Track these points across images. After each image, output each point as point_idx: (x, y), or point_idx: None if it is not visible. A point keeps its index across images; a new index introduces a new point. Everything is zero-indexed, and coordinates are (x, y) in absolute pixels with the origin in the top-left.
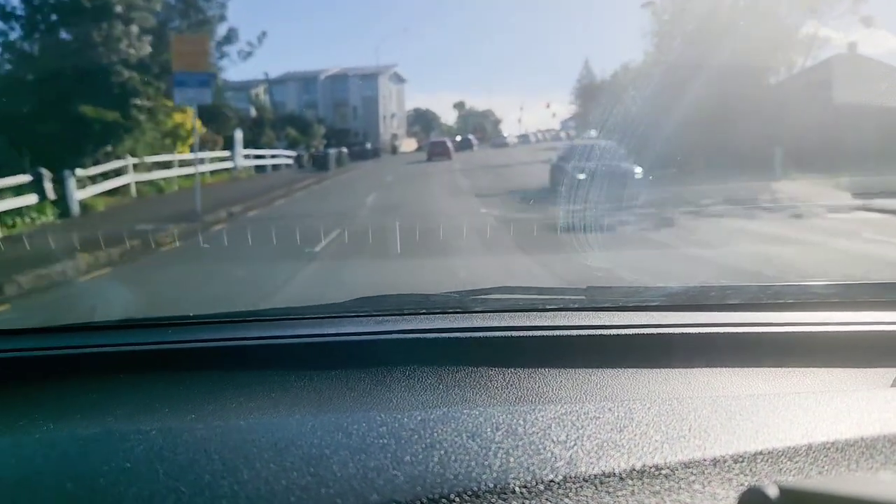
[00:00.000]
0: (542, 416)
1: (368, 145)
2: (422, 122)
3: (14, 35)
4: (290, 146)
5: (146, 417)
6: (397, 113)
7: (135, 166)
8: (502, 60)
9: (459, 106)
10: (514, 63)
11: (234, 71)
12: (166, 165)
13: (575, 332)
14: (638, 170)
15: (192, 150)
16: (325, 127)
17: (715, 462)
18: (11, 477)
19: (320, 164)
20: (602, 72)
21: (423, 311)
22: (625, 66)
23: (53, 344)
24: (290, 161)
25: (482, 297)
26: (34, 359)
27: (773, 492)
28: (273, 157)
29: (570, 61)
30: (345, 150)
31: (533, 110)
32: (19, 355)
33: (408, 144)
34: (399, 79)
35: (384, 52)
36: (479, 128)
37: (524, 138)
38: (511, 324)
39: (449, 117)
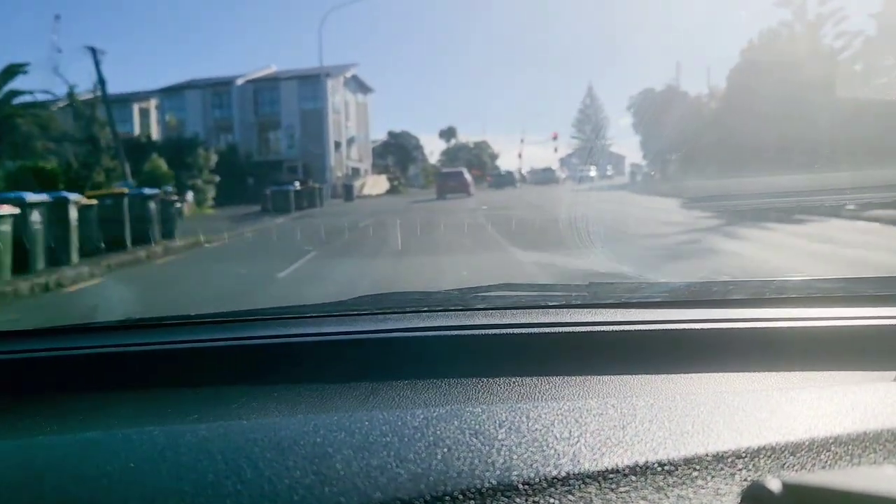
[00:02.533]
0: (545, 413)
1: (296, 185)
2: (397, 152)
3: None
4: (150, 184)
5: (148, 418)
6: (359, 137)
7: None
8: (497, 87)
9: (448, 134)
10: (510, 93)
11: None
12: None
13: (577, 329)
14: None
15: None
16: (215, 155)
17: (718, 458)
18: (14, 479)
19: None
20: (611, 99)
21: (425, 308)
22: (647, 93)
23: (54, 345)
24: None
25: (484, 294)
26: (35, 360)
27: (776, 486)
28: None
29: (568, 93)
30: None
31: (529, 146)
32: (20, 357)
33: (375, 184)
34: (361, 86)
35: (341, 49)
36: (475, 163)
37: (548, 173)
38: (513, 321)
39: (433, 147)
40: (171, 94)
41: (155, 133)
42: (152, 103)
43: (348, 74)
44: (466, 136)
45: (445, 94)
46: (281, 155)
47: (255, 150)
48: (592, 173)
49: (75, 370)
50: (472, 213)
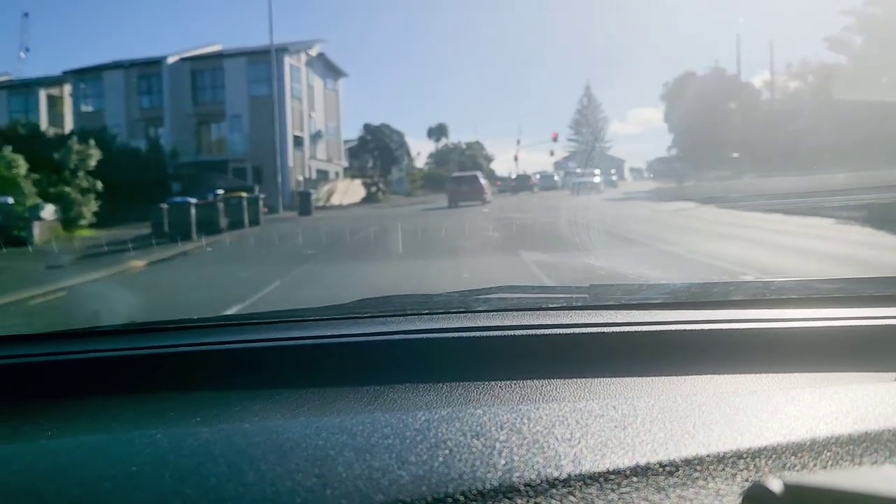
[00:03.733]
0: (546, 415)
1: (217, 193)
2: (377, 151)
3: None
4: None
5: (151, 421)
6: (328, 132)
7: None
8: (490, 82)
9: (438, 132)
10: (504, 90)
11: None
12: None
13: (578, 331)
14: None
15: None
16: (95, 151)
17: (719, 458)
18: (18, 483)
19: None
20: (610, 100)
21: (426, 311)
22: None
23: (57, 350)
24: None
25: (485, 296)
26: (38, 365)
27: (777, 487)
28: None
29: (565, 92)
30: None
31: (524, 148)
32: (22, 361)
33: (347, 191)
34: (330, 69)
35: (306, 23)
36: (469, 165)
37: (548, 179)
38: (514, 323)
39: (420, 148)
40: (86, 77)
41: (69, 126)
42: (65, 90)
43: (313, 52)
44: (457, 137)
45: (434, 86)
46: (225, 154)
47: (192, 147)
48: (597, 179)
49: (77, 374)
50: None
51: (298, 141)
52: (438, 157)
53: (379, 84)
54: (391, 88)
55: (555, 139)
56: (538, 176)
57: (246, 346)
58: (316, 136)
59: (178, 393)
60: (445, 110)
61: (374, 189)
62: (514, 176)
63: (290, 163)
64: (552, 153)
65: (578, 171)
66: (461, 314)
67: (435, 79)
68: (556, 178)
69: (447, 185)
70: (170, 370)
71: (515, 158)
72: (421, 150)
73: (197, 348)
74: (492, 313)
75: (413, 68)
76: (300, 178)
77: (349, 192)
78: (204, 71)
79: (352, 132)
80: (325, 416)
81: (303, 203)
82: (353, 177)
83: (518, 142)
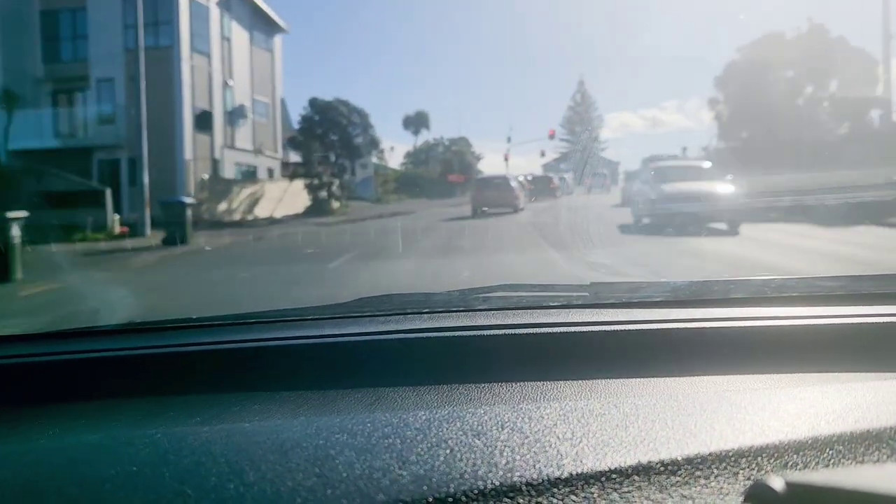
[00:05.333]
0: (548, 414)
1: None
2: (333, 134)
3: None
4: None
5: (151, 421)
6: (257, 109)
7: None
8: (475, 72)
9: (417, 122)
10: (492, 82)
11: None
12: None
13: (579, 329)
14: None
15: None
16: None
17: (721, 457)
18: (17, 483)
19: None
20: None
21: (426, 310)
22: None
23: (56, 349)
24: None
25: (485, 295)
26: (38, 364)
27: (779, 485)
28: None
29: (558, 88)
30: None
31: (514, 147)
32: (23, 361)
33: (284, 196)
34: (260, 18)
35: None
36: (456, 165)
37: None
38: (515, 321)
39: (395, 144)
40: None
41: None
42: None
43: None
44: (439, 132)
45: (413, 67)
46: (90, 138)
47: (48, 127)
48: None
49: (77, 374)
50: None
51: (203, 120)
52: (417, 156)
53: (339, 52)
54: (356, 59)
55: (552, 137)
56: (559, 177)
57: (245, 346)
58: (236, 115)
59: (177, 392)
60: (425, 99)
61: (323, 194)
62: (529, 178)
63: (188, 153)
64: (543, 154)
65: (603, 171)
66: (461, 313)
67: (415, 58)
68: (568, 180)
69: (472, 188)
70: (169, 370)
71: (506, 158)
72: (395, 146)
73: (196, 348)
74: (492, 312)
75: (386, 40)
76: (205, 176)
77: (286, 198)
78: (59, 13)
79: (297, 113)
80: (326, 415)
81: (170, 222)
82: (294, 176)
83: (509, 139)
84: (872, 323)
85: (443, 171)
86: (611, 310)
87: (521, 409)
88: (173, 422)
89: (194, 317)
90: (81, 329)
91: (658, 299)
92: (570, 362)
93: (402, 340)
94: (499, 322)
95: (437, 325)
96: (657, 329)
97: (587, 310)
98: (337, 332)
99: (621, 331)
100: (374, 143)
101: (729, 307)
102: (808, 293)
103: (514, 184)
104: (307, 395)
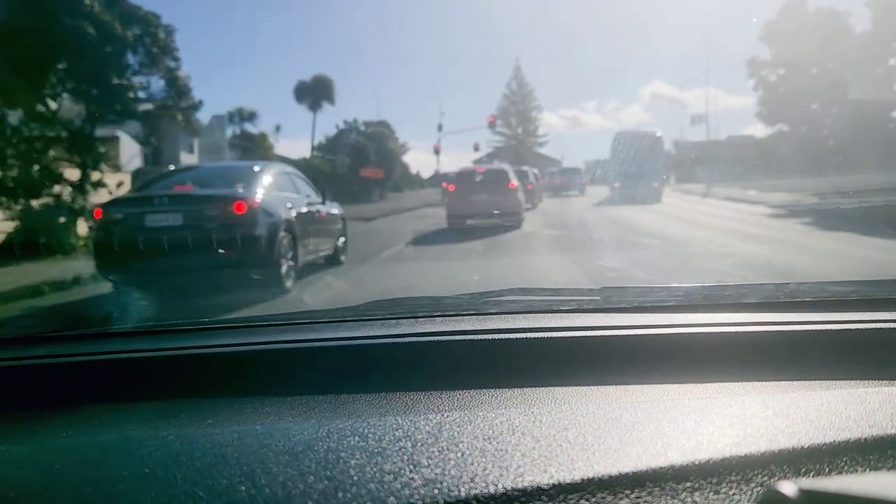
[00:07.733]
0: (559, 418)
1: None
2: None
3: None
4: None
5: (163, 423)
6: None
7: None
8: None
9: (316, 93)
10: (414, 60)
11: None
12: None
13: (590, 333)
14: None
15: None
16: None
17: (733, 463)
18: (31, 484)
19: None
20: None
21: (437, 313)
22: None
23: (70, 351)
24: None
25: (496, 298)
26: (51, 366)
27: (791, 492)
28: None
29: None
30: None
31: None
32: (37, 363)
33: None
34: None
35: None
36: (378, 156)
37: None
38: (526, 325)
39: (286, 120)
40: None
41: None
42: None
43: None
44: (349, 113)
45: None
46: None
47: None
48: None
49: (91, 376)
50: None
51: None
52: (327, 148)
53: None
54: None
55: (492, 124)
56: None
57: (257, 349)
58: None
59: (190, 395)
60: (330, 68)
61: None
62: (557, 169)
63: None
64: (477, 147)
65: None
66: (472, 316)
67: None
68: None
69: (450, 188)
70: (182, 372)
71: (436, 151)
72: (283, 125)
73: (209, 350)
74: (503, 316)
75: None
76: None
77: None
78: None
79: None
80: (337, 418)
81: None
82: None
83: (440, 127)
84: (886, 328)
85: (354, 164)
86: (622, 314)
87: (533, 413)
88: (186, 424)
89: (206, 319)
90: (96, 331)
91: (670, 304)
92: (582, 367)
93: (414, 344)
94: (510, 326)
95: (448, 328)
96: (669, 334)
97: (598, 314)
98: (348, 336)
99: (633, 335)
100: (176, 89)
101: (741, 312)
102: (822, 298)
103: (511, 179)
104: (318, 398)
